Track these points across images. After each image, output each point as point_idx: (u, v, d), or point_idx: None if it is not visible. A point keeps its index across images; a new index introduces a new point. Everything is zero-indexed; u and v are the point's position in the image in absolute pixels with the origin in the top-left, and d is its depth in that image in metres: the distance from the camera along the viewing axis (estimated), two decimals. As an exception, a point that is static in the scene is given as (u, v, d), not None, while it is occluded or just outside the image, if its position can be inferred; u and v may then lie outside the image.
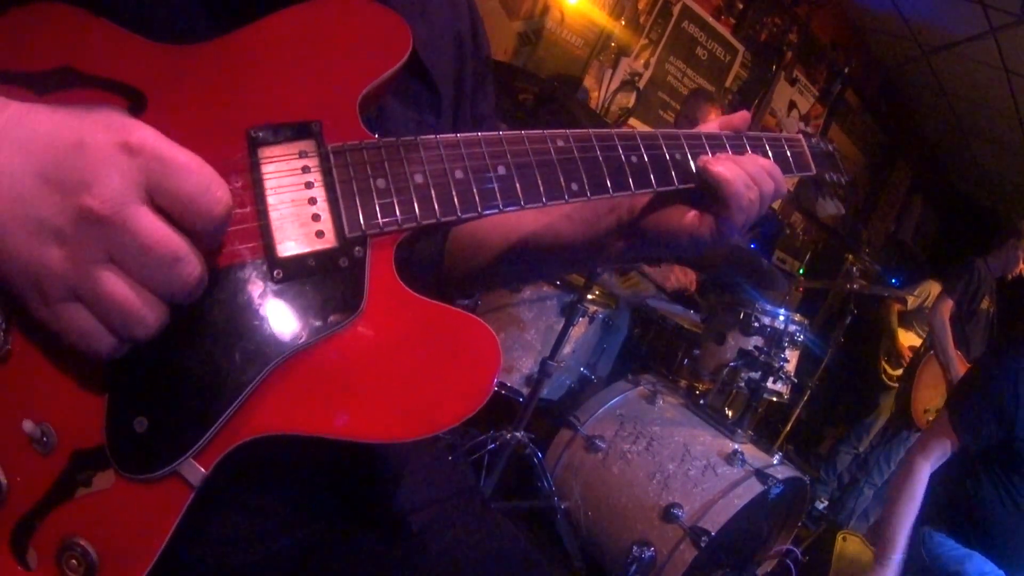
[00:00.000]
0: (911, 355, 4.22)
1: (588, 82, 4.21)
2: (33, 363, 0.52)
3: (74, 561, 0.51)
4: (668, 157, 0.74)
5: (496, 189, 0.64)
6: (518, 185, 0.65)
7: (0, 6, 0.57)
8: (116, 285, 0.47)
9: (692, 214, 0.77)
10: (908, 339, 4.43)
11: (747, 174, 0.75)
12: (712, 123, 0.82)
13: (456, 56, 0.90)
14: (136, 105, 0.57)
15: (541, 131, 0.68)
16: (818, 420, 5.35)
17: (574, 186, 0.68)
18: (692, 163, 0.76)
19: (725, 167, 0.74)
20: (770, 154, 0.82)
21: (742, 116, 0.83)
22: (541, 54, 3.94)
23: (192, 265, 0.48)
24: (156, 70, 0.58)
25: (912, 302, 4.37)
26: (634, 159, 0.72)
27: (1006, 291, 3.96)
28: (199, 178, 0.48)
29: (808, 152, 0.87)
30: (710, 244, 0.78)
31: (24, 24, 0.57)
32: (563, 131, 0.69)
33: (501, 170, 0.65)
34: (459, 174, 0.63)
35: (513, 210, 0.65)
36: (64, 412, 0.52)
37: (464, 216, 0.62)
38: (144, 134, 0.47)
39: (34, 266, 0.46)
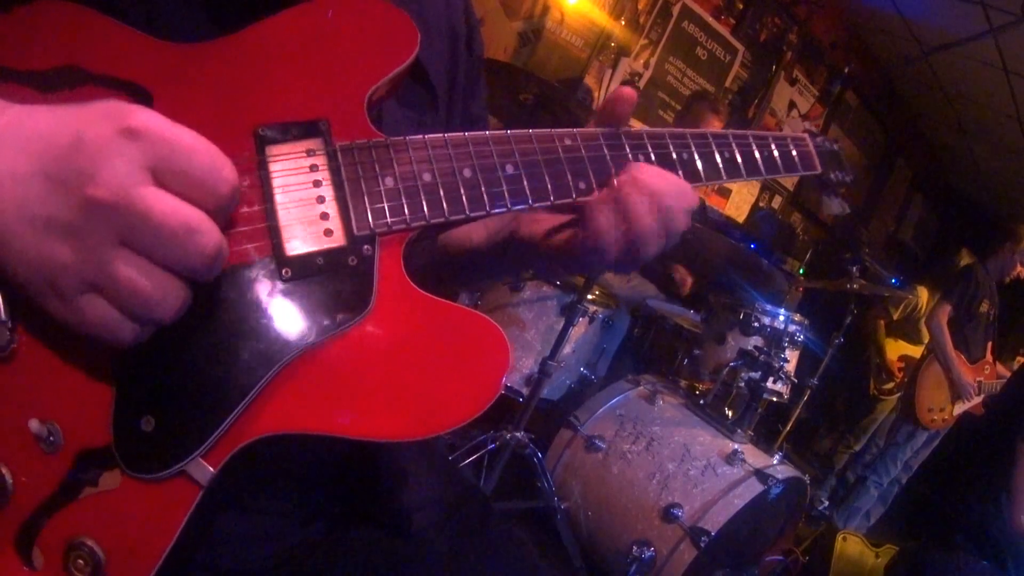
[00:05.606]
0: (902, 365, 4.29)
1: (588, 82, 4.21)
2: (39, 361, 0.52)
3: (81, 561, 0.51)
4: (675, 156, 0.73)
5: (504, 188, 0.64)
6: (526, 184, 0.65)
7: (5, 4, 0.56)
8: (132, 269, 0.45)
9: (573, 233, 0.71)
10: (898, 349, 4.50)
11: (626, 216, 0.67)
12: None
13: (449, 54, 0.90)
14: (142, 103, 0.56)
15: (548, 130, 0.68)
16: (818, 420, 5.35)
17: (582, 184, 0.68)
18: (699, 163, 0.74)
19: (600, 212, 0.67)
20: (776, 153, 0.81)
21: (619, 96, 0.71)
22: (541, 54, 3.93)
23: (208, 235, 0.47)
24: (163, 68, 0.58)
25: (896, 314, 4.45)
26: (641, 158, 0.72)
27: (1004, 294, 4.02)
28: (204, 158, 0.47)
29: (814, 151, 0.87)
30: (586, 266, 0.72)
31: (29, 22, 0.57)
32: (570, 130, 0.69)
33: (509, 169, 0.65)
34: (467, 173, 0.63)
35: (521, 209, 0.65)
36: (71, 411, 0.52)
37: (473, 215, 0.62)
38: (144, 116, 0.46)
39: (47, 264, 0.45)
